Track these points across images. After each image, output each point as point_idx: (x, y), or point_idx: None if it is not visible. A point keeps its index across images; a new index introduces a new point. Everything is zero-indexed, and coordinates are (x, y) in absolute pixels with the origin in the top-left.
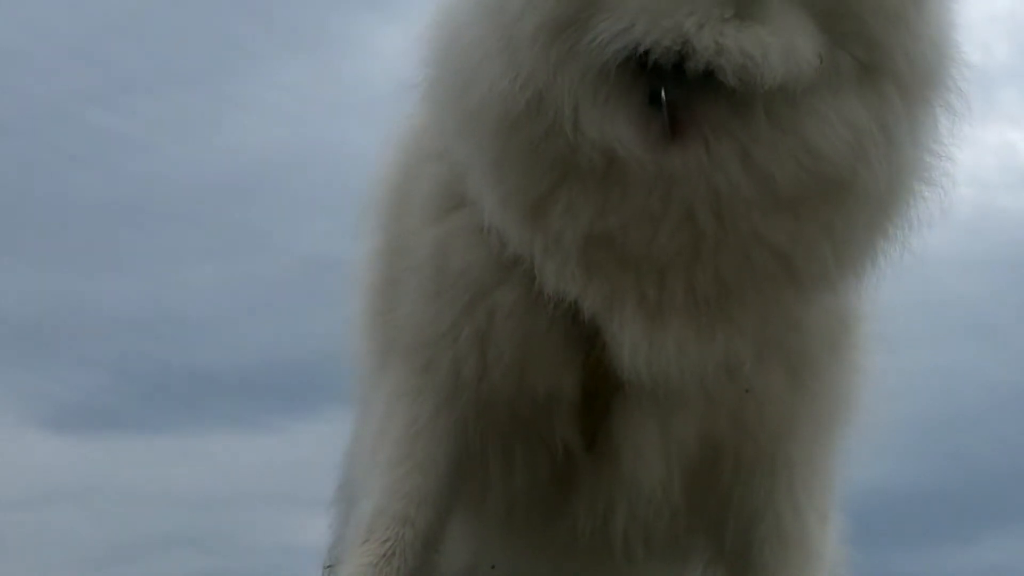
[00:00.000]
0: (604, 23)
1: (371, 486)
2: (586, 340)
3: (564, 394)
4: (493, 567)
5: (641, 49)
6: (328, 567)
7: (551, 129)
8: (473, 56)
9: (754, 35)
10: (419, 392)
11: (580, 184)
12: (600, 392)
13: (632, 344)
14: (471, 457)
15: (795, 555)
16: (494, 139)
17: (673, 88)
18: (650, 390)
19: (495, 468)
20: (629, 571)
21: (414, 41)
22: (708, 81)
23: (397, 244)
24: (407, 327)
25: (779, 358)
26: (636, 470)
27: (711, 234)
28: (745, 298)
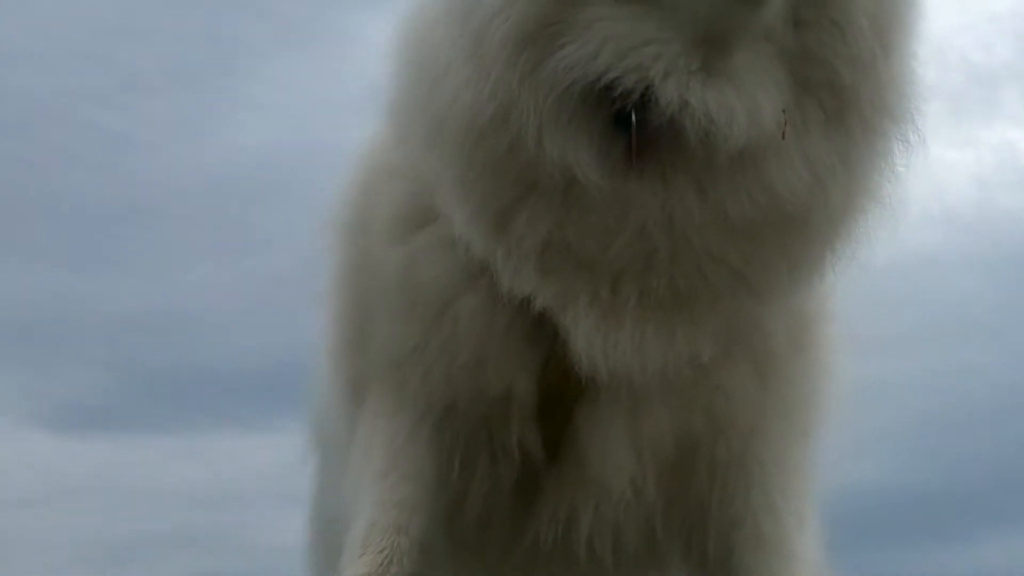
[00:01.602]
0: (570, 46)
1: (362, 501)
2: (548, 340)
3: (519, 393)
4: None
5: (603, 82)
6: None
7: (515, 143)
8: (440, 61)
9: (720, 95)
10: (396, 411)
11: (541, 199)
12: (563, 395)
13: (586, 337)
14: (450, 467)
15: (775, 559)
16: (460, 151)
17: (639, 112)
18: (615, 387)
19: (459, 477)
20: None
21: (384, 44)
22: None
23: (362, 269)
24: (381, 349)
25: (745, 355)
26: (604, 472)
27: (665, 249)
28: (703, 304)
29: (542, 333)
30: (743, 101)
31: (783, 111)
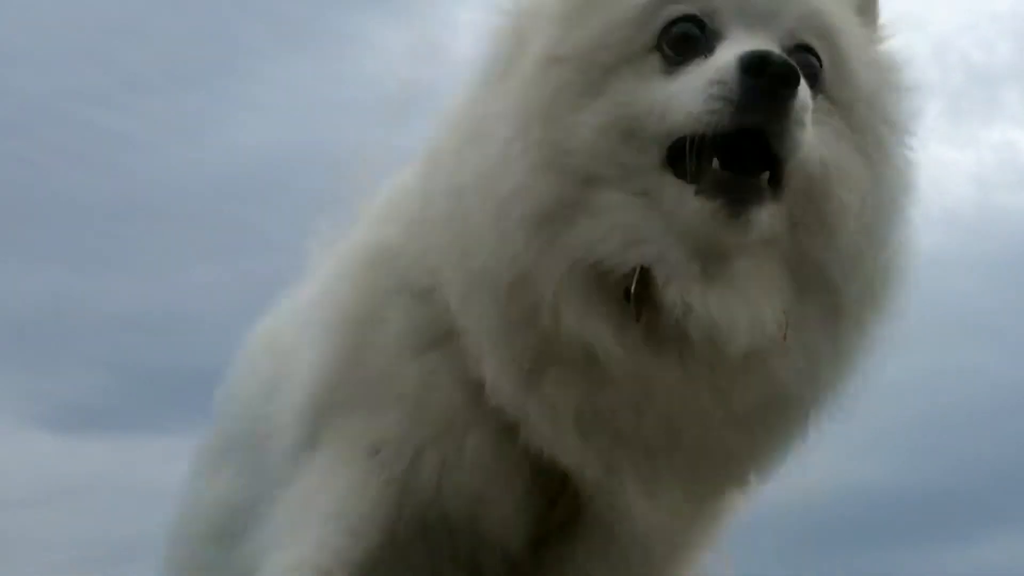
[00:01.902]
0: (582, 226)
1: (295, 535)
2: (554, 487)
3: (511, 532)
4: None
5: (607, 265)
6: None
7: (535, 311)
8: (473, 222)
9: (722, 302)
10: (368, 471)
11: (567, 364)
12: (551, 541)
13: (635, 506)
14: (397, 548)
15: None
16: (492, 309)
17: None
18: (619, 545)
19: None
20: None
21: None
22: None
23: (359, 363)
24: (363, 433)
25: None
26: None
27: (689, 438)
28: (704, 476)
29: (550, 479)
30: (746, 309)
31: (784, 313)
